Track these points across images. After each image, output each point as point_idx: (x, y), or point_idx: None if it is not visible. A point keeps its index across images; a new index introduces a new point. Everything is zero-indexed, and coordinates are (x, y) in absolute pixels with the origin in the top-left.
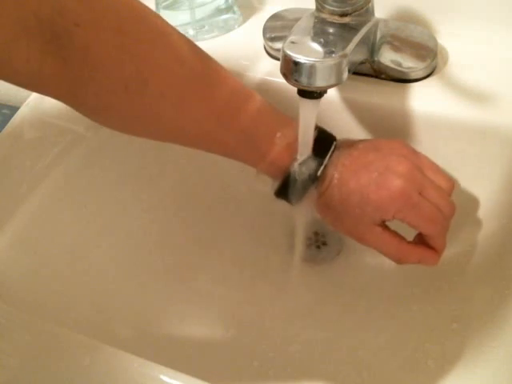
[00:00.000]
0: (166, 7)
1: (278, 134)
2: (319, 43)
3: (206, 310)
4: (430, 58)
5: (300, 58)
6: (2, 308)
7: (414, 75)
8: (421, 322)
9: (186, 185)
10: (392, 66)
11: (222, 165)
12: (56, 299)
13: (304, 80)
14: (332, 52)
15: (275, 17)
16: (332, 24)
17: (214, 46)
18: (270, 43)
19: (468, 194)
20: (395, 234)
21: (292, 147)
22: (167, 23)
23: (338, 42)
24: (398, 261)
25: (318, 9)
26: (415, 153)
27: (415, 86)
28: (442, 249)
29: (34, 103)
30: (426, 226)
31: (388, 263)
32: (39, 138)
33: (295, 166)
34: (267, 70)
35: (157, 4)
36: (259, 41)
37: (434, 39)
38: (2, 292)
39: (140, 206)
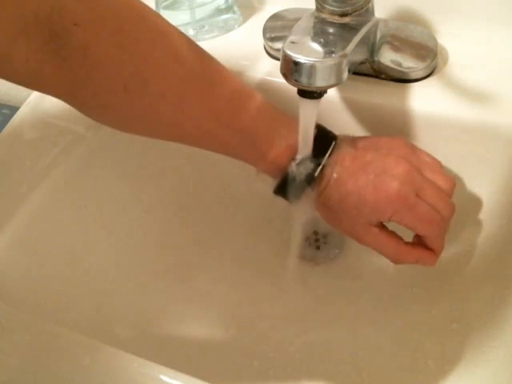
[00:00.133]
0: (166, 7)
1: (279, 134)
2: (319, 43)
3: (205, 310)
4: (430, 57)
5: (300, 58)
6: (2, 308)
7: (414, 75)
8: (421, 322)
9: (186, 185)
10: (392, 66)
11: (222, 165)
12: (56, 299)
13: (304, 80)
14: (332, 52)
15: (275, 17)
16: (332, 24)
17: (214, 45)
18: (270, 43)
19: (468, 194)
20: (393, 234)
21: (292, 147)
22: (167, 22)
23: (338, 41)
24: (396, 261)
25: (317, 9)
26: (415, 152)
27: (415, 86)
28: (440, 250)
29: (34, 103)
30: (423, 227)
31: (388, 263)
32: (39, 137)
33: (294, 166)
34: (267, 70)
35: (157, 4)
36: (259, 41)
37: (434, 39)
38: (2, 292)
39: (140, 206)
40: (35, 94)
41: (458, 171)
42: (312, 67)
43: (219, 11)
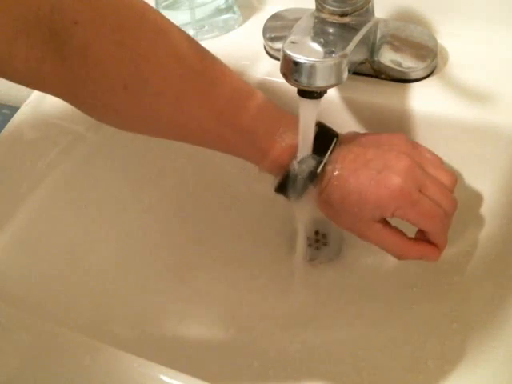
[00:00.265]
0: (166, 7)
1: (280, 132)
2: (319, 43)
3: (205, 310)
4: (430, 58)
5: (300, 58)
6: (1, 308)
7: (414, 75)
8: (421, 321)
9: (186, 185)
10: (392, 65)
11: (222, 165)
12: (56, 299)
13: (304, 80)
14: (332, 52)
15: (275, 17)
16: (332, 24)
17: (214, 45)
18: (270, 43)
19: (468, 194)
20: (396, 229)
21: (294, 145)
22: (167, 20)
23: (338, 42)
24: (399, 257)
25: (317, 9)
26: (416, 148)
27: (415, 86)
28: (444, 245)
29: (34, 103)
30: (426, 223)
31: (388, 263)
32: (39, 137)
33: (295, 164)
34: (267, 70)
35: (157, 4)
36: (259, 41)
37: (434, 39)
38: (2, 292)
39: (140, 206)
40: (35, 94)
41: (458, 171)
42: (312, 67)
43: (219, 11)
